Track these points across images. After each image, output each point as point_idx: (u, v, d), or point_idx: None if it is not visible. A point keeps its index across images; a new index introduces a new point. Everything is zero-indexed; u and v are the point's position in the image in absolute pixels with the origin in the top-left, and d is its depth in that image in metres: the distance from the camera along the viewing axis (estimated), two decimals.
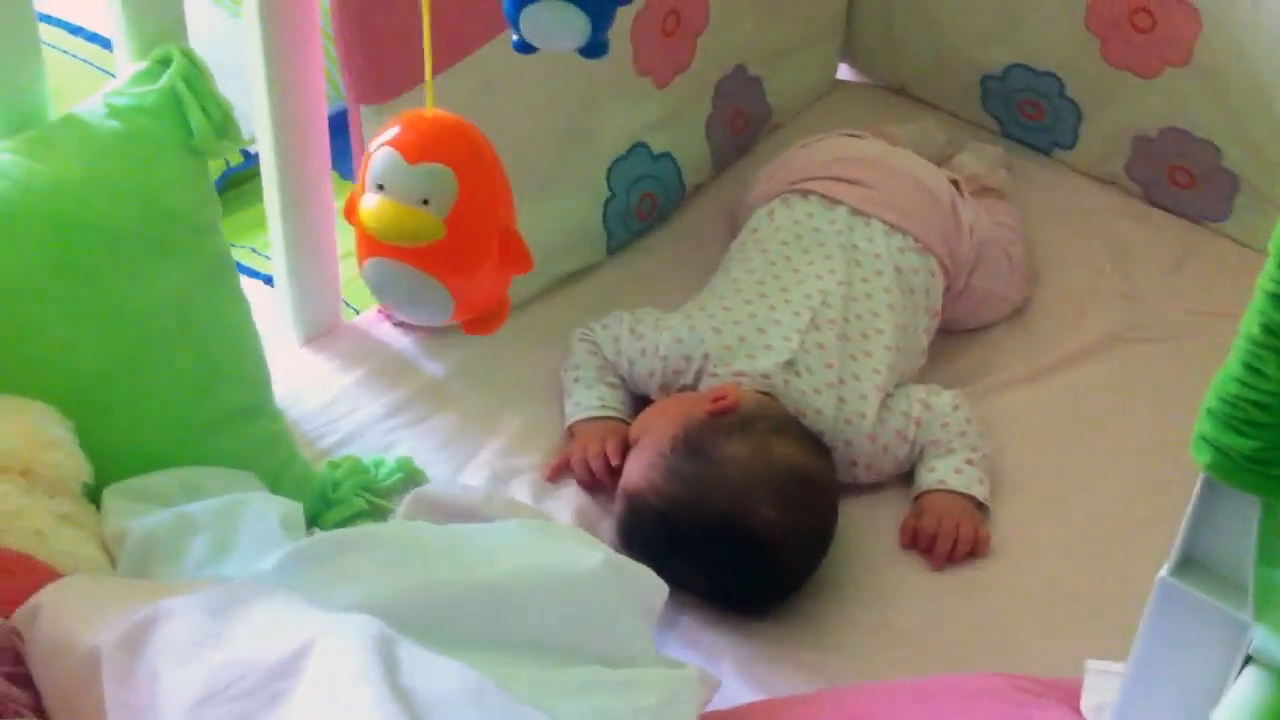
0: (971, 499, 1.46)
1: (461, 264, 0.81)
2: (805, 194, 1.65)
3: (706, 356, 1.49)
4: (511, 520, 1.12)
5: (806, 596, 1.39)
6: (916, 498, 1.48)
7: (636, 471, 1.39)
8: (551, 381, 1.60)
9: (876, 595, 1.40)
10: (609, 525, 1.44)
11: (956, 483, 1.46)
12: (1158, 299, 1.75)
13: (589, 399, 1.53)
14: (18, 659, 0.91)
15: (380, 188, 0.79)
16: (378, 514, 1.41)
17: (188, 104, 1.24)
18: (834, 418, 1.46)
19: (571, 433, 1.53)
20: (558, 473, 1.49)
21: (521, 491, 1.47)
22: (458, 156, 0.79)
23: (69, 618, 0.85)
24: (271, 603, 0.86)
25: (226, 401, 1.28)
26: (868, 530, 1.46)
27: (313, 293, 1.59)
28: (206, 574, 1.05)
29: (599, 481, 1.47)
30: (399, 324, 1.64)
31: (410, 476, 1.46)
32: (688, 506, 1.34)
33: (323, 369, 1.58)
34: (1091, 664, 1.11)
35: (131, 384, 1.19)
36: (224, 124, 1.26)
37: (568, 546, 1.08)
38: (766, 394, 1.46)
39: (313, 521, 1.37)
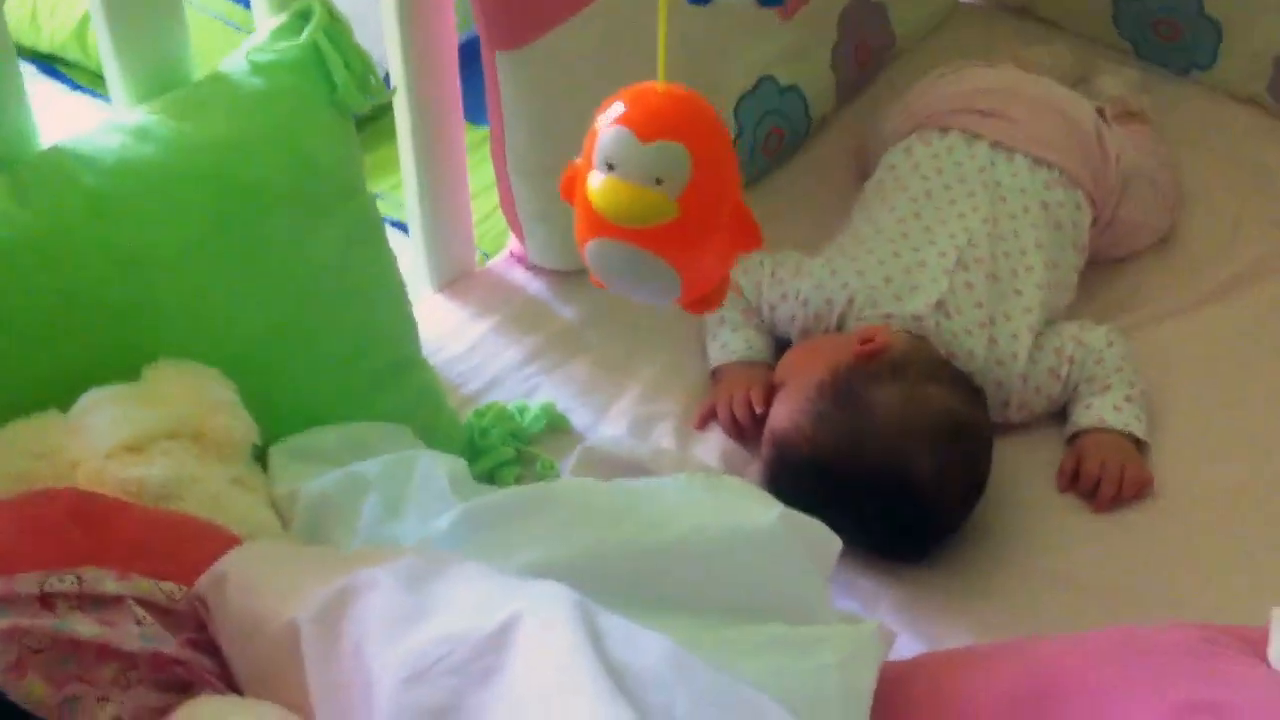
0: (1131, 437, 1.42)
1: (692, 244, 0.78)
2: (944, 129, 1.60)
3: (850, 300, 1.46)
4: (681, 475, 1.10)
5: (962, 541, 1.36)
6: (1073, 437, 1.44)
7: (784, 416, 1.36)
8: (686, 326, 1.58)
9: (1035, 540, 1.37)
10: (755, 470, 1.42)
11: (1115, 420, 1.42)
12: None
13: (736, 342, 1.51)
14: (200, 626, 0.91)
15: (610, 166, 0.76)
16: (525, 461, 1.41)
17: (330, 58, 1.22)
18: (985, 358, 1.43)
19: (716, 376, 1.51)
20: (705, 420, 1.47)
21: (665, 438, 1.45)
22: (691, 133, 0.75)
23: (260, 590, 0.85)
24: (467, 573, 0.85)
25: (383, 358, 1.27)
26: (1023, 472, 1.43)
27: (447, 240, 1.57)
28: (379, 534, 1.05)
29: (745, 429, 1.45)
30: (532, 268, 1.63)
31: (554, 423, 1.45)
32: (839, 455, 1.31)
33: (458, 316, 1.57)
34: (1278, 612, 1.08)
35: (293, 346, 1.18)
36: (366, 77, 1.24)
37: (741, 503, 1.06)
38: (916, 336, 1.42)
39: None
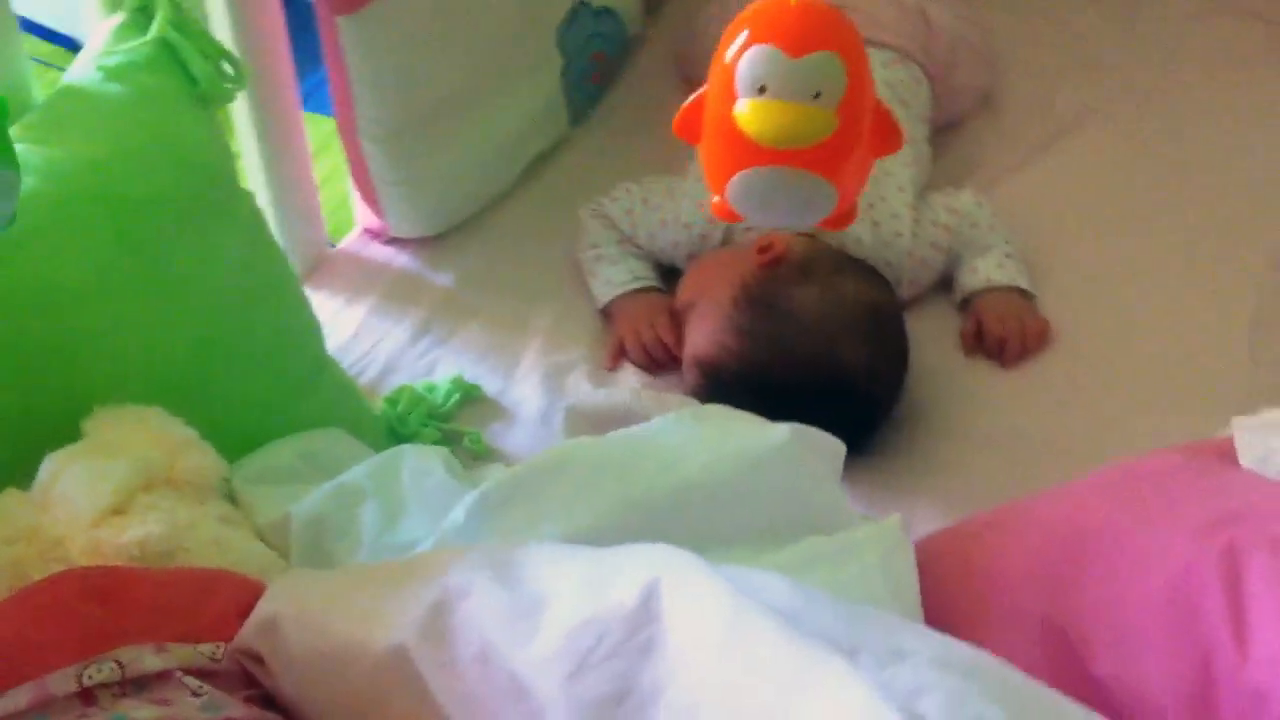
0: (1019, 291, 1.47)
1: (848, 155, 0.74)
2: None
3: None
4: (669, 415, 1.08)
5: (895, 423, 1.39)
6: (964, 301, 1.48)
7: (704, 339, 1.35)
8: (565, 270, 1.55)
9: (959, 406, 1.41)
10: (678, 397, 1.41)
11: (1002, 277, 1.47)
12: (1121, 66, 1.76)
13: (619, 275, 1.49)
14: (250, 680, 0.84)
15: (761, 89, 0.71)
16: (451, 440, 1.35)
17: (185, 51, 1.13)
18: (872, 243, 1.45)
19: (607, 313, 1.48)
20: (616, 359, 1.45)
21: (581, 384, 1.42)
22: (838, 40, 0.72)
23: (330, 623, 0.78)
24: (546, 556, 0.80)
25: (300, 360, 1.20)
26: (926, 345, 1.46)
27: (300, 226, 1.49)
28: (385, 543, 0.99)
29: (658, 359, 1.43)
30: (392, 241, 1.56)
31: (467, 394, 1.40)
32: (772, 364, 1.31)
33: (329, 305, 1.49)
34: (1239, 420, 1.14)
35: (217, 362, 1.10)
36: (223, 66, 1.15)
37: (740, 428, 1.05)
38: (806, 235, 1.43)
39: None
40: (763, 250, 1.39)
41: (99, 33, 1.14)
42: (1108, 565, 0.98)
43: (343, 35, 1.34)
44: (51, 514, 0.88)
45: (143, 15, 1.14)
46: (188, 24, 1.14)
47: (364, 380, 1.42)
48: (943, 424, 1.40)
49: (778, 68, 0.73)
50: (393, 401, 1.36)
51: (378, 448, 1.28)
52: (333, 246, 1.58)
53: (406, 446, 1.09)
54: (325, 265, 1.54)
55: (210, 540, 0.91)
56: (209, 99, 1.15)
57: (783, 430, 1.02)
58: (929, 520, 1.28)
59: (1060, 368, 1.44)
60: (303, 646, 0.80)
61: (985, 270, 1.48)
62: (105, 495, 0.89)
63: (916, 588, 0.99)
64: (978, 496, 1.30)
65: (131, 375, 1.03)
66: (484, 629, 0.75)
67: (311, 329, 1.24)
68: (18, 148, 1.02)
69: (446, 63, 1.46)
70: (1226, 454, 1.13)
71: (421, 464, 1.04)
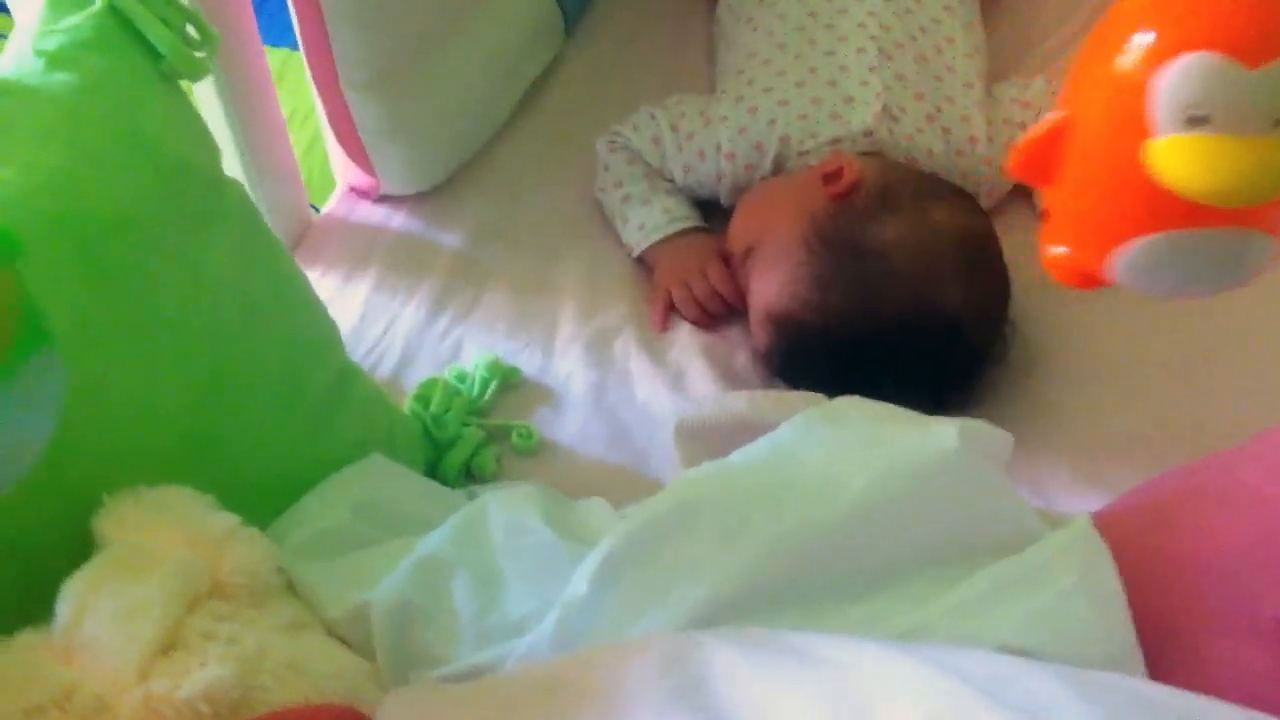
0: None
1: None
2: None
3: (785, 138, 1.25)
4: (797, 419, 0.89)
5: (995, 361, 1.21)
6: None
7: (776, 290, 1.16)
8: (588, 212, 1.34)
9: (1070, 335, 1.23)
10: (745, 359, 1.23)
11: None
12: None
13: (654, 216, 1.28)
14: None
15: (1199, 121, 0.48)
16: (498, 437, 1.16)
17: (140, 19, 0.90)
18: (945, 152, 1.26)
19: (645, 262, 1.29)
20: (667, 318, 1.25)
21: (631, 350, 1.23)
22: None
23: None
24: (756, 691, 0.62)
25: (321, 378, 0.99)
26: (1014, 265, 1.28)
27: (279, 192, 1.26)
28: (490, 624, 0.80)
29: (715, 314, 1.24)
30: (383, 199, 1.34)
31: (506, 378, 1.21)
32: (863, 314, 1.12)
33: (327, 283, 1.28)
34: None
35: (228, 402, 0.89)
36: (187, 31, 0.93)
37: (897, 429, 0.87)
38: (874, 154, 1.24)
39: (430, 472, 1.12)
40: (829, 178, 1.19)
41: (26, 10, 0.91)
42: None
43: None
44: (83, 666, 0.68)
45: None
46: (160, 5, 0.90)
47: (381, 375, 1.21)
48: (1046, 357, 1.23)
49: (1230, 88, 0.48)
50: (423, 400, 1.16)
51: (415, 462, 1.10)
52: (316, 211, 1.36)
53: (491, 497, 0.89)
54: (312, 235, 1.32)
55: (285, 665, 0.72)
56: (176, 74, 0.93)
57: (949, 432, 0.84)
58: (1059, 480, 1.12)
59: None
60: None
61: None
62: (148, 634, 0.69)
63: (1126, 607, 0.82)
64: (1106, 444, 1.15)
65: (128, 437, 0.82)
66: None
67: (328, 335, 1.03)
68: None
69: None
70: None
71: (514, 519, 0.85)
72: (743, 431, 0.93)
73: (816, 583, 0.79)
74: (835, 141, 1.24)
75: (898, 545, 0.81)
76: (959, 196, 1.20)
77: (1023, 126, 1.30)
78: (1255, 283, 1.18)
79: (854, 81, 1.26)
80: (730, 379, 1.21)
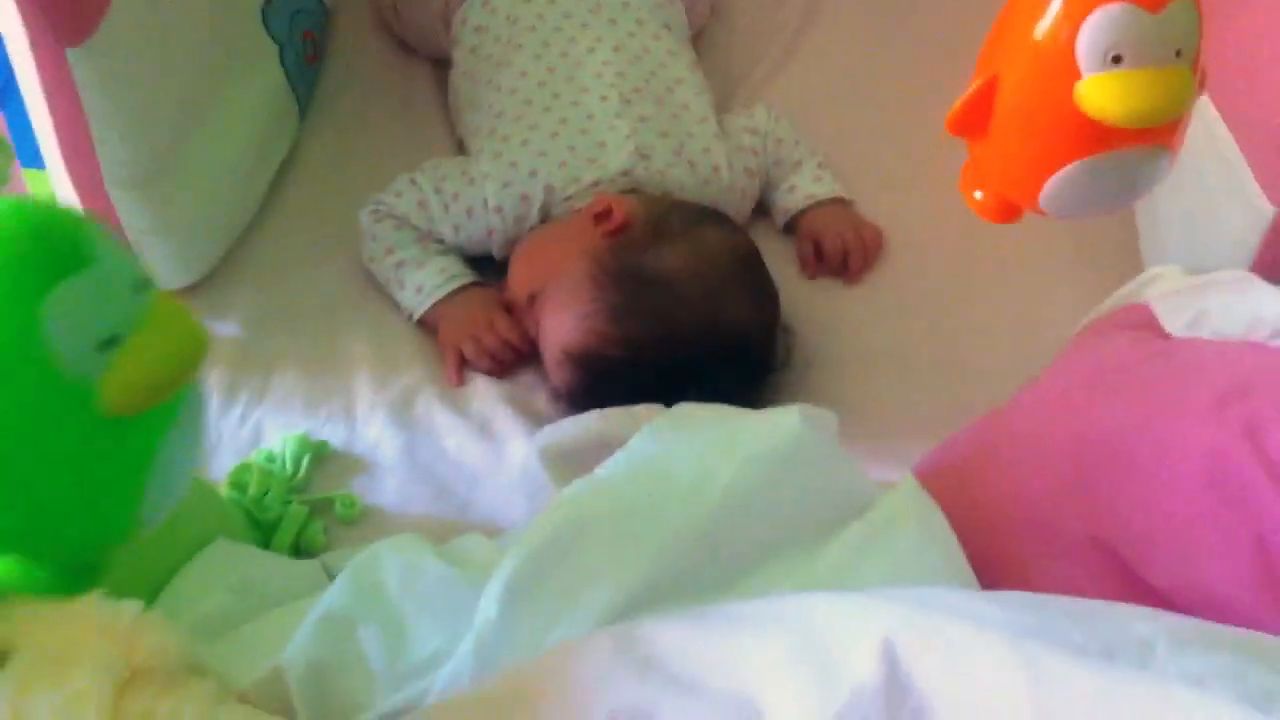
0: (841, 200, 1.42)
1: (1188, 116, 0.60)
2: None
3: (548, 187, 1.31)
4: (645, 428, 0.95)
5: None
6: (790, 223, 1.41)
7: (571, 328, 1.22)
8: (359, 283, 1.37)
9: (825, 332, 1.34)
10: (543, 399, 1.28)
11: (822, 191, 1.41)
12: None
13: (430, 278, 1.32)
14: None
15: (1117, 59, 0.57)
16: (321, 511, 1.17)
17: None
18: (695, 183, 1.35)
19: (428, 323, 1.32)
20: (461, 372, 1.29)
21: (434, 407, 1.26)
22: None
23: None
24: (700, 644, 0.67)
25: None
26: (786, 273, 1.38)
27: None
28: (403, 666, 0.82)
29: (505, 364, 1.29)
30: None
31: (316, 453, 1.21)
32: (656, 339, 1.20)
33: None
34: (1149, 293, 1.14)
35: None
36: None
37: (741, 424, 0.94)
38: (632, 190, 1.32)
39: None
40: (600, 218, 1.27)
41: None
42: (1135, 469, 0.95)
43: (77, 71, 1.09)
44: None
45: None
46: None
47: None
48: (810, 353, 1.33)
49: (1138, 29, 0.60)
50: (239, 486, 1.15)
51: (249, 542, 1.10)
52: None
53: (378, 546, 0.91)
54: None
55: None
56: None
57: (792, 418, 0.92)
58: (856, 456, 1.22)
59: (896, 273, 1.40)
60: None
61: (804, 186, 1.41)
62: None
63: (958, 545, 0.92)
64: (877, 421, 1.26)
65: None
66: None
67: None
68: None
69: (173, 81, 1.23)
70: (1146, 324, 1.13)
71: (408, 561, 0.87)
72: (600, 447, 0.98)
73: (706, 572, 0.85)
74: (595, 184, 1.31)
75: (768, 525, 0.88)
76: (720, 219, 1.30)
77: (755, 152, 1.41)
78: (999, 282, 1.32)
79: (603, 127, 1.34)
80: (533, 419, 1.26)
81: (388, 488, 1.21)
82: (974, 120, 0.69)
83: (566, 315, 1.22)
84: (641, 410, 1.05)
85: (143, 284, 0.70)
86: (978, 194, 0.72)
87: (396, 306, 1.34)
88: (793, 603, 0.70)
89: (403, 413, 1.26)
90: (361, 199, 1.39)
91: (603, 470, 0.92)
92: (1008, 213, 0.72)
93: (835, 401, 1.25)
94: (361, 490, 1.20)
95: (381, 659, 0.82)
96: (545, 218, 1.32)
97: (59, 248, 0.68)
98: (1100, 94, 0.62)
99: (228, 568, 0.93)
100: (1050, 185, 0.67)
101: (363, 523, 1.17)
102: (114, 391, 0.66)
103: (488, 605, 0.80)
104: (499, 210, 1.32)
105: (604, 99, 1.36)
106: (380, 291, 1.35)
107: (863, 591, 0.71)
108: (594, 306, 1.21)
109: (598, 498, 0.88)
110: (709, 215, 1.30)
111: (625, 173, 1.32)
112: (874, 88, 1.57)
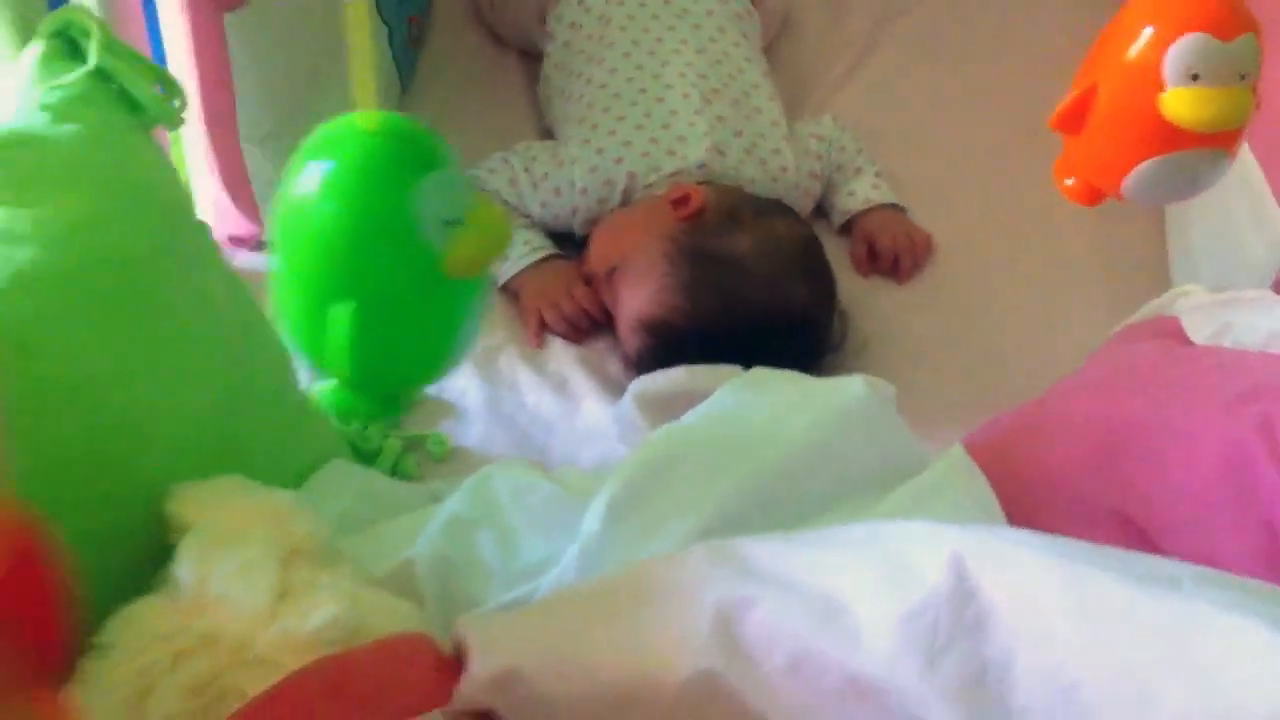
0: (895, 207, 1.54)
1: (1245, 127, 0.75)
2: None
3: (631, 174, 1.44)
4: (726, 385, 1.07)
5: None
6: (844, 225, 1.53)
7: (646, 299, 1.34)
8: None
9: (877, 325, 1.46)
10: (615, 364, 1.40)
11: (880, 197, 1.53)
12: None
13: (515, 248, 1.45)
14: None
15: (1194, 77, 0.70)
16: (415, 446, 1.29)
17: (124, 76, 1.00)
18: (764, 180, 1.48)
19: (512, 290, 1.44)
20: (540, 335, 1.41)
21: (516, 365, 1.38)
22: (1251, 18, 0.72)
23: (603, 663, 0.74)
24: (791, 551, 0.79)
25: (294, 392, 1.10)
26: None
27: None
28: (515, 568, 0.94)
29: (582, 330, 1.41)
30: (258, 247, 1.45)
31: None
32: (722, 313, 1.32)
33: None
34: (1179, 306, 1.26)
35: (242, 415, 0.99)
36: (160, 85, 1.04)
37: (813, 385, 1.06)
38: (706, 182, 1.44)
39: None
40: (678, 204, 1.39)
41: (21, 67, 0.99)
42: (1157, 452, 1.07)
43: (231, 34, 1.22)
44: (215, 617, 0.79)
45: (62, 41, 1.00)
46: (119, 46, 1.01)
47: None
48: (860, 342, 1.45)
49: (1212, 55, 0.74)
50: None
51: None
52: None
53: (490, 468, 1.03)
54: None
55: (379, 608, 0.84)
56: (153, 124, 1.03)
57: (858, 382, 1.04)
58: None
59: (943, 276, 1.52)
60: (567, 695, 0.76)
61: (863, 192, 1.53)
62: (265, 584, 0.80)
63: (999, 508, 1.04)
64: (917, 408, 1.37)
65: (173, 455, 0.92)
66: (793, 637, 0.74)
67: (288, 356, 1.14)
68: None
69: (303, 51, 1.36)
70: (1174, 334, 1.25)
71: (520, 481, 0.99)
72: (686, 398, 1.10)
73: (776, 510, 0.96)
74: (674, 174, 1.44)
75: (832, 476, 1.00)
76: (786, 211, 1.42)
77: (819, 157, 1.53)
78: (1035, 291, 1.44)
79: (684, 123, 1.46)
80: (605, 382, 1.38)
81: (473, 432, 1.33)
82: (1073, 120, 0.83)
83: (642, 288, 1.35)
84: (724, 369, 1.17)
85: (471, 186, 0.97)
86: (1069, 180, 0.85)
87: None
88: (868, 527, 0.82)
89: (487, 367, 1.38)
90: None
91: (688, 417, 1.04)
92: (1093, 197, 0.85)
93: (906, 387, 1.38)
94: (449, 432, 1.32)
95: (497, 560, 0.94)
96: (625, 201, 1.45)
97: (425, 152, 0.96)
98: (1180, 104, 0.78)
99: (353, 478, 1.05)
100: (1132, 176, 0.81)
101: (451, 460, 1.29)
102: (454, 258, 0.90)
103: (591, 520, 0.92)
104: (584, 192, 1.44)
105: (686, 96, 1.48)
106: None
107: (931, 520, 0.82)
108: (667, 281, 1.33)
109: (686, 437, 1.00)
110: (776, 207, 1.42)
111: (702, 166, 1.44)
112: (928, 104, 1.70)
